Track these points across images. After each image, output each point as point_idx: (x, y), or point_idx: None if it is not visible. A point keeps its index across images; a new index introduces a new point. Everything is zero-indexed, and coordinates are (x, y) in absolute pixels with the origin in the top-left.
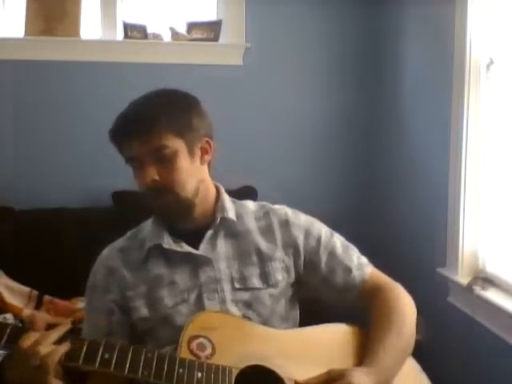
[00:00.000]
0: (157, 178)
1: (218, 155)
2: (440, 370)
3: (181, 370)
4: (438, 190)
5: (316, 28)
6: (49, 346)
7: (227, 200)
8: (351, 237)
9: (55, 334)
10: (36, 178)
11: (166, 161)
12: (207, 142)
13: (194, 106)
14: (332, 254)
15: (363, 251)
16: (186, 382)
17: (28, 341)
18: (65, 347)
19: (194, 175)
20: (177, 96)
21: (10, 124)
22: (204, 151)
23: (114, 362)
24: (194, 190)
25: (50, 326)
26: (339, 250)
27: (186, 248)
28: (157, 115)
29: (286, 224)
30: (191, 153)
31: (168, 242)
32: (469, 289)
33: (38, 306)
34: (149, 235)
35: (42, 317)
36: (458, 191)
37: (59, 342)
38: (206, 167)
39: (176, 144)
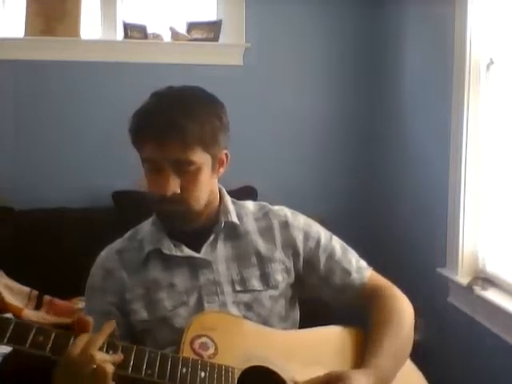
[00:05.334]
0: (178, 191)
1: None
2: (440, 370)
3: (184, 370)
4: (438, 190)
5: (316, 28)
6: (101, 352)
7: (230, 202)
8: (351, 237)
9: (102, 338)
10: (36, 178)
11: (190, 175)
12: (226, 154)
13: (221, 116)
14: (331, 256)
15: (363, 251)
16: (190, 381)
17: (77, 347)
18: (120, 356)
19: (209, 188)
20: (207, 105)
21: (10, 124)
22: (221, 163)
23: None
24: (206, 202)
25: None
26: (338, 252)
27: (187, 252)
28: (189, 127)
29: (285, 225)
30: (214, 167)
31: (168, 247)
32: (469, 289)
33: (38, 306)
34: (148, 237)
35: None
36: (458, 191)
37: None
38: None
39: (203, 159)
